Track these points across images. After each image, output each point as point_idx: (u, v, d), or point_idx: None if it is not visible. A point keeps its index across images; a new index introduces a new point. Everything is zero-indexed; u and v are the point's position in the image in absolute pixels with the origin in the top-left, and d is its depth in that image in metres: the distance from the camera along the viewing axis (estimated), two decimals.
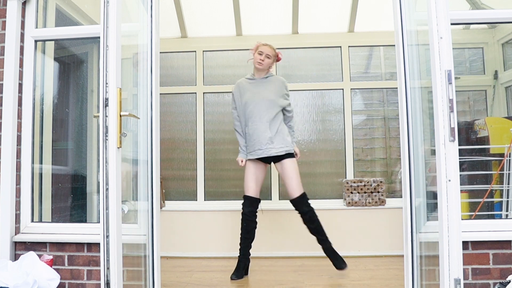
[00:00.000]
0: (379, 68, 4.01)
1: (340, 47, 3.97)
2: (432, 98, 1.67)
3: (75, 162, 2.86)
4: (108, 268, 1.74)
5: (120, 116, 1.81)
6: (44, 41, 2.45)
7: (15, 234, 2.26)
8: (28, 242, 2.23)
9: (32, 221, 2.32)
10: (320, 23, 3.97)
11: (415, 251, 1.95)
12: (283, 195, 3.85)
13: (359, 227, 3.60)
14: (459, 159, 1.60)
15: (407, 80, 2.02)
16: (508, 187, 2.72)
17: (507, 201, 2.72)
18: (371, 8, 3.78)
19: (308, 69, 4.00)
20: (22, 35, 2.35)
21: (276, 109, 2.94)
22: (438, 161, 1.61)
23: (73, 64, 2.91)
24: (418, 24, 2.03)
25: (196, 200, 3.91)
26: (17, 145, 2.29)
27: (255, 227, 2.91)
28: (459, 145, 1.62)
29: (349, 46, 3.96)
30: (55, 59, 2.64)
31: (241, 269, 2.88)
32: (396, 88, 2.10)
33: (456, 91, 1.61)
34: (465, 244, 1.98)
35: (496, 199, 2.81)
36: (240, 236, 2.92)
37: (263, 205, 2.98)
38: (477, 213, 2.65)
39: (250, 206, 2.89)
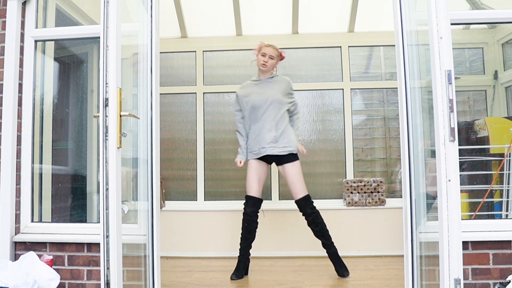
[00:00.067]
0: (379, 68, 4.01)
1: (340, 47, 3.97)
2: (432, 98, 1.67)
3: (75, 162, 2.86)
4: (108, 268, 1.74)
5: (120, 116, 1.81)
6: (44, 41, 2.45)
7: (15, 234, 2.26)
8: (28, 242, 2.23)
9: (32, 221, 2.32)
10: (320, 23, 3.97)
11: (415, 251, 1.95)
12: (283, 195, 3.85)
13: (359, 227, 3.60)
14: (459, 159, 1.60)
15: (407, 80, 2.02)
16: (508, 187, 2.72)
17: (507, 201, 2.72)
18: (371, 8, 3.78)
19: (308, 69, 4.00)
20: (22, 35, 2.35)
21: (283, 109, 2.94)
22: (438, 161, 1.61)
23: (73, 64, 2.91)
24: (418, 24, 2.03)
25: (196, 200, 3.91)
26: (17, 145, 2.29)
27: (256, 227, 2.91)
28: (459, 145, 1.62)
29: (349, 46, 3.96)
30: (55, 59, 2.64)
31: (241, 269, 2.88)
32: (396, 88, 2.10)
33: (456, 91, 1.61)
34: (465, 244, 1.98)
35: (496, 199, 2.81)
36: (240, 236, 2.92)
37: (263, 205, 2.98)
38: (477, 213, 2.65)
39: (252, 206, 2.89)
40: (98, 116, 1.81)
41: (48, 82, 2.53)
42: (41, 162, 2.44)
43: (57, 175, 2.63)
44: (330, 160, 3.91)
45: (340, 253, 2.91)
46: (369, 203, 3.65)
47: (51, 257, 2.16)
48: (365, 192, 3.66)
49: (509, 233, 2.02)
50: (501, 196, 2.78)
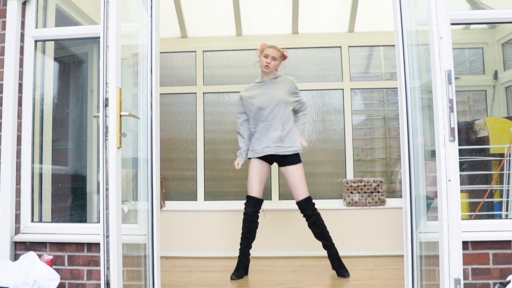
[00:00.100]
0: (379, 68, 4.01)
1: (340, 47, 3.97)
2: (432, 98, 1.67)
3: (75, 162, 2.86)
4: (108, 268, 1.74)
5: (120, 116, 1.81)
6: (44, 41, 2.45)
7: (15, 234, 2.26)
8: (28, 242, 2.23)
9: (32, 221, 2.32)
10: (320, 23, 3.97)
11: (415, 251, 1.95)
12: (283, 195, 3.85)
13: (359, 227, 3.60)
14: (459, 159, 1.60)
15: (407, 80, 2.02)
16: (508, 187, 2.72)
17: (507, 201, 2.72)
18: (371, 8, 3.78)
19: (308, 69, 4.00)
20: (22, 35, 2.35)
21: (288, 109, 2.95)
22: (438, 161, 1.61)
23: (73, 64, 2.91)
24: (418, 24, 2.03)
25: (196, 200, 3.91)
26: (17, 145, 2.29)
27: (257, 228, 2.91)
28: (459, 145, 1.62)
29: (349, 46, 3.96)
30: (55, 59, 2.64)
31: (241, 269, 2.88)
32: (396, 88, 2.10)
33: (456, 91, 1.61)
34: (465, 244, 1.98)
35: (496, 199, 2.81)
36: (241, 236, 2.91)
37: (263, 205, 2.98)
38: (477, 213, 2.65)
39: (253, 207, 2.89)
40: (98, 116, 1.81)
41: (48, 82, 2.53)
42: (41, 162, 2.44)
43: (57, 175, 2.63)
44: (330, 160, 3.91)
45: (340, 253, 2.92)
46: (369, 203, 3.65)
47: (51, 257, 2.16)
48: (365, 192, 3.66)
49: (509, 233, 2.02)
50: (501, 196, 2.78)
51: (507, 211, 2.71)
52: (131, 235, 2.14)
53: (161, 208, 3.68)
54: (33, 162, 2.34)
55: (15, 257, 2.21)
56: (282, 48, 3.08)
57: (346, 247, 3.44)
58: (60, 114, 2.71)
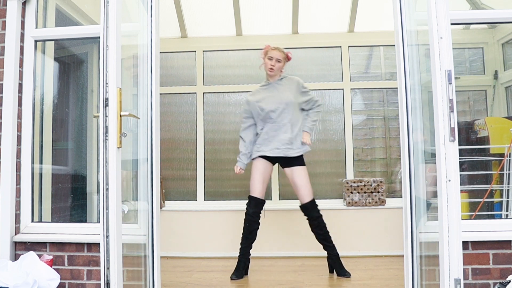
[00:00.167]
0: (379, 68, 4.01)
1: (340, 47, 3.97)
2: (432, 98, 1.67)
3: (75, 162, 2.86)
4: (108, 268, 1.74)
5: (120, 116, 1.81)
6: (44, 41, 2.45)
7: (15, 234, 2.26)
8: (28, 242, 2.23)
9: (32, 221, 2.32)
10: (320, 23, 3.97)
11: (415, 251, 1.95)
12: (283, 195, 3.85)
13: (359, 227, 3.60)
14: (459, 159, 1.60)
15: (407, 80, 2.02)
16: (508, 187, 2.72)
17: (507, 201, 2.72)
18: (371, 8, 3.78)
19: (308, 69, 4.00)
20: (22, 35, 2.35)
21: (297, 110, 2.94)
22: (438, 161, 1.61)
23: (73, 64, 2.91)
24: (418, 24, 2.03)
25: (196, 200, 3.91)
26: (17, 145, 2.29)
27: (258, 228, 2.91)
28: (459, 145, 1.62)
29: (349, 46, 3.96)
30: (55, 59, 2.64)
31: (241, 269, 2.88)
32: (396, 88, 2.10)
33: (456, 91, 1.61)
34: (465, 244, 1.98)
35: (496, 199, 2.81)
36: (241, 235, 2.91)
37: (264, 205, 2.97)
38: (477, 213, 2.65)
39: (255, 207, 2.89)
40: (98, 116, 1.81)
41: (48, 82, 2.53)
42: (41, 162, 2.44)
43: (57, 175, 2.63)
44: (330, 160, 3.91)
45: (340, 253, 2.92)
46: (369, 203, 3.65)
47: (51, 257, 2.16)
48: (365, 192, 3.66)
49: (509, 233, 2.02)
50: (501, 196, 2.78)
51: (507, 211, 2.71)
52: (131, 235, 2.14)
53: (161, 208, 3.68)
54: (33, 162, 2.34)
55: (15, 257, 2.21)
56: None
57: (346, 247, 3.44)
58: (60, 114, 2.71)
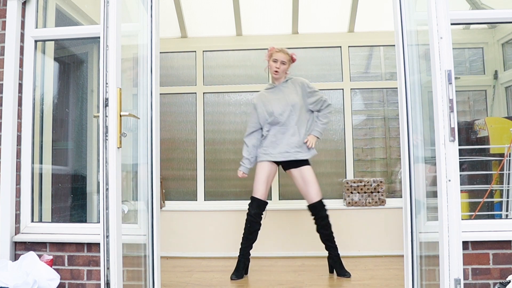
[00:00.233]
0: (379, 68, 4.01)
1: (340, 47, 3.97)
2: (432, 98, 1.67)
3: (75, 162, 2.86)
4: (108, 268, 1.74)
5: (120, 116, 1.81)
6: (44, 41, 2.45)
7: (15, 234, 2.26)
8: (28, 242, 2.23)
9: (32, 221, 2.32)
10: (320, 23, 3.97)
11: (415, 251, 1.95)
12: (283, 195, 3.85)
13: (359, 227, 3.60)
14: (459, 159, 1.60)
15: (407, 80, 2.02)
16: (508, 187, 2.72)
17: (507, 201, 2.72)
18: (371, 8, 3.78)
19: (308, 69, 4.00)
20: (22, 35, 2.35)
21: (303, 111, 2.94)
22: (438, 161, 1.61)
23: (73, 64, 2.91)
24: (418, 24, 2.03)
25: (196, 200, 3.91)
26: (17, 145, 2.29)
27: (259, 229, 2.91)
28: (459, 145, 1.62)
29: (349, 46, 3.96)
30: (55, 59, 2.64)
31: (241, 269, 2.88)
32: (396, 88, 2.10)
33: (456, 91, 1.61)
34: (465, 244, 1.98)
35: (496, 199, 2.81)
36: (242, 236, 2.91)
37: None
38: (477, 213, 2.65)
39: (257, 208, 2.88)
40: (98, 116, 1.81)
41: (48, 82, 2.53)
42: (41, 162, 2.44)
43: (57, 175, 2.63)
44: (330, 160, 3.91)
45: (340, 253, 2.92)
46: (369, 203, 3.64)
47: (51, 257, 2.16)
48: (365, 192, 3.66)
49: (509, 233, 2.02)
50: (501, 196, 2.78)
51: (507, 211, 2.71)
52: (131, 235, 2.14)
53: (161, 208, 3.68)
54: (33, 162, 2.34)
55: (15, 257, 2.21)
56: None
57: (346, 247, 3.44)
58: (60, 114, 2.71)
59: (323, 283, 2.71)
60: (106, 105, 1.79)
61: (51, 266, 2.12)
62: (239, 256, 2.91)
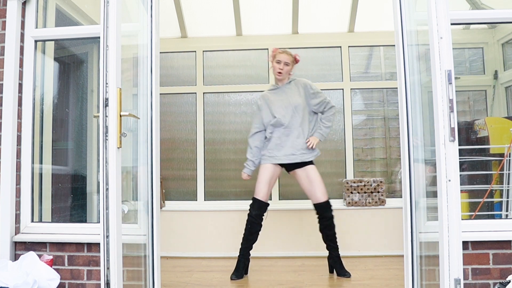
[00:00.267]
0: (379, 68, 4.01)
1: (340, 47, 3.97)
2: (432, 98, 1.67)
3: (75, 162, 2.86)
4: (108, 268, 1.74)
5: (120, 116, 1.81)
6: (44, 41, 2.45)
7: (15, 234, 2.26)
8: (28, 242, 2.23)
9: (32, 221, 2.32)
10: (320, 23, 3.97)
11: (415, 251, 1.95)
12: (283, 195, 3.85)
13: (359, 227, 3.60)
14: (459, 159, 1.60)
15: (407, 80, 2.02)
16: (508, 187, 2.72)
17: (507, 201, 2.72)
18: (371, 8, 3.78)
19: (308, 69, 4.00)
20: (22, 35, 2.35)
21: (306, 113, 2.93)
22: (438, 161, 1.61)
23: (73, 64, 2.91)
24: (418, 24, 2.03)
25: (196, 200, 3.91)
26: (17, 145, 2.29)
27: (259, 230, 2.90)
28: (459, 145, 1.62)
29: (349, 46, 3.96)
30: (55, 59, 2.64)
31: (241, 269, 2.88)
32: (396, 88, 2.10)
33: (456, 91, 1.61)
34: (465, 244, 1.98)
35: (496, 199, 2.81)
36: (243, 236, 2.91)
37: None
38: (477, 213, 2.65)
39: (258, 210, 2.88)
40: (98, 116, 1.81)
41: (48, 82, 2.53)
42: (41, 162, 2.44)
43: (57, 175, 2.63)
44: (330, 160, 3.91)
45: (340, 253, 2.92)
46: (369, 203, 3.64)
47: (51, 257, 2.16)
48: (365, 192, 3.66)
49: (509, 233, 2.02)
50: (501, 196, 2.78)
51: (507, 211, 2.71)
52: (131, 235, 2.14)
53: (161, 208, 3.68)
54: (33, 162, 2.34)
55: (15, 257, 2.21)
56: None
57: (346, 247, 3.44)
58: (60, 114, 2.71)
59: (323, 283, 2.71)
60: (106, 105, 1.79)
61: (51, 266, 2.12)
62: (239, 256, 2.91)
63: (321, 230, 2.90)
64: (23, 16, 2.35)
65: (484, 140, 2.95)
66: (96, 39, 2.20)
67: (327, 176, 3.90)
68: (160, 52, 2.32)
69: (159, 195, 2.19)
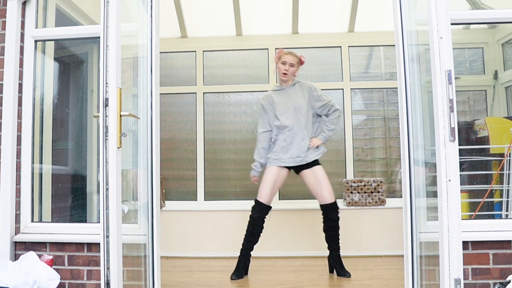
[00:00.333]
0: (379, 68, 4.01)
1: (340, 47, 3.97)
2: (432, 98, 1.67)
3: (75, 162, 2.86)
4: (108, 268, 1.74)
5: (120, 116, 1.81)
6: (44, 41, 2.45)
7: (15, 234, 2.25)
8: (28, 242, 2.23)
9: (32, 221, 2.32)
10: (320, 23, 3.97)
11: (415, 251, 1.95)
12: (283, 195, 3.85)
13: (359, 227, 3.60)
14: (459, 159, 1.60)
15: (407, 80, 2.02)
16: (508, 187, 2.72)
17: (507, 201, 2.72)
18: (371, 8, 3.78)
19: (308, 69, 3.99)
20: (22, 35, 2.34)
21: (310, 115, 2.93)
22: (438, 161, 1.61)
23: (73, 64, 2.91)
24: (418, 24, 2.03)
25: (196, 200, 3.91)
26: (17, 145, 2.29)
27: (261, 232, 2.90)
28: (459, 145, 1.62)
29: (349, 46, 3.96)
30: (55, 59, 2.64)
31: (241, 269, 2.88)
32: (396, 88, 2.10)
33: (456, 91, 1.61)
34: (465, 244, 1.98)
35: (496, 199, 2.81)
36: (244, 236, 2.91)
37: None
38: (477, 213, 2.65)
39: (259, 212, 2.87)
40: (98, 116, 1.81)
41: (48, 82, 2.52)
42: (41, 162, 2.44)
43: (57, 175, 2.63)
44: (330, 160, 3.91)
45: (340, 253, 2.92)
46: (369, 203, 3.64)
47: (51, 257, 2.16)
48: (365, 192, 3.66)
49: (509, 233, 2.02)
50: (501, 196, 2.78)
51: (507, 211, 2.71)
52: (131, 235, 2.14)
53: (161, 208, 3.68)
54: (33, 162, 2.34)
55: (15, 257, 2.21)
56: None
57: (346, 247, 3.43)
58: (60, 114, 2.71)
59: (323, 283, 2.71)
60: (106, 105, 1.79)
61: (51, 266, 2.12)
62: (239, 256, 2.91)
63: (325, 230, 2.89)
64: (23, 16, 2.35)
65: (484, 140, 2.95)
66: (96, 39, 2.20)
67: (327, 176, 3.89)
68: (160, 52, 2.32)
69: (159, 195, 2.19)
